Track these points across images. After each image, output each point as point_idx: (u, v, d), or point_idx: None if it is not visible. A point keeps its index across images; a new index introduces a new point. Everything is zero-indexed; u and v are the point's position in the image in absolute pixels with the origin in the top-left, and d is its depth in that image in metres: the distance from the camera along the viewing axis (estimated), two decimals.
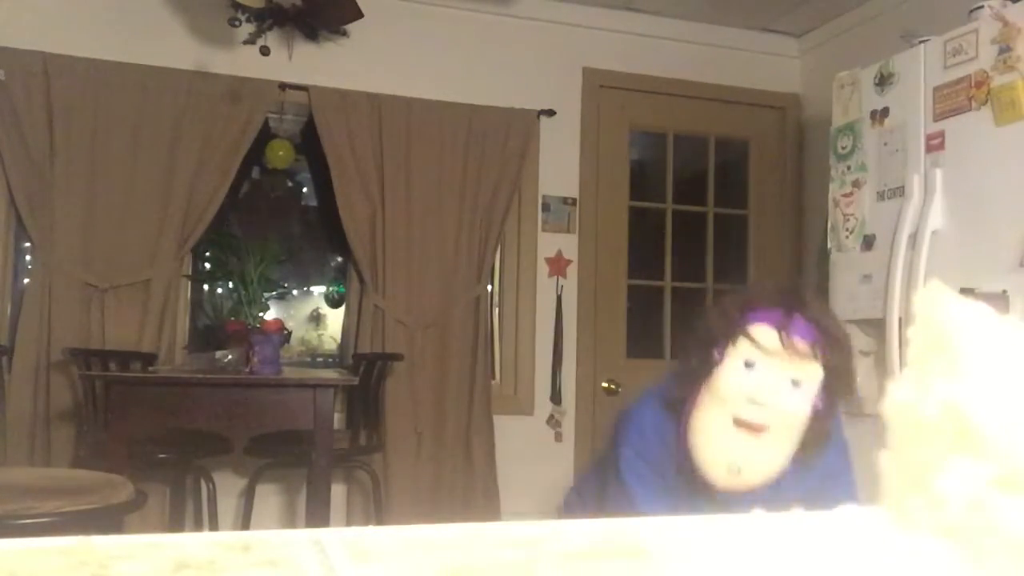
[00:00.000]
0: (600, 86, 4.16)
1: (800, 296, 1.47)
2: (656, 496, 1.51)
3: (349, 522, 3.65)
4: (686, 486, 1.47)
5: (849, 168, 2.90)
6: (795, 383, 1.39)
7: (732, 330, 1.42)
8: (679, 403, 1.47)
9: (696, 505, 1.45)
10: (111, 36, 3.55)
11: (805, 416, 1.40)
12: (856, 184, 2.87)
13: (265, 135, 3.75)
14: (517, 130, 3.95)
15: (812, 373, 1.39)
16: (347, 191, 3.74)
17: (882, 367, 2.66)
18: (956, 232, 2.50)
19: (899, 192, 2.68)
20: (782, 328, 1.39)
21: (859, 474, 1.55)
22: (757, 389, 1.38)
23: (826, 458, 1.48)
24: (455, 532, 0.37)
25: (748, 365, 1.39)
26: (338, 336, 4.16)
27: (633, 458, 1.54)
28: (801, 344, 1.39)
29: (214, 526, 3.31)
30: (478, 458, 3.77)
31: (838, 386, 1.43)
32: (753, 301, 1.45)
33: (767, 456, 1.39)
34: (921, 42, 2.67)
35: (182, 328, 3.71)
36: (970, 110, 2.46)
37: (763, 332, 1.40)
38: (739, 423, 1.38)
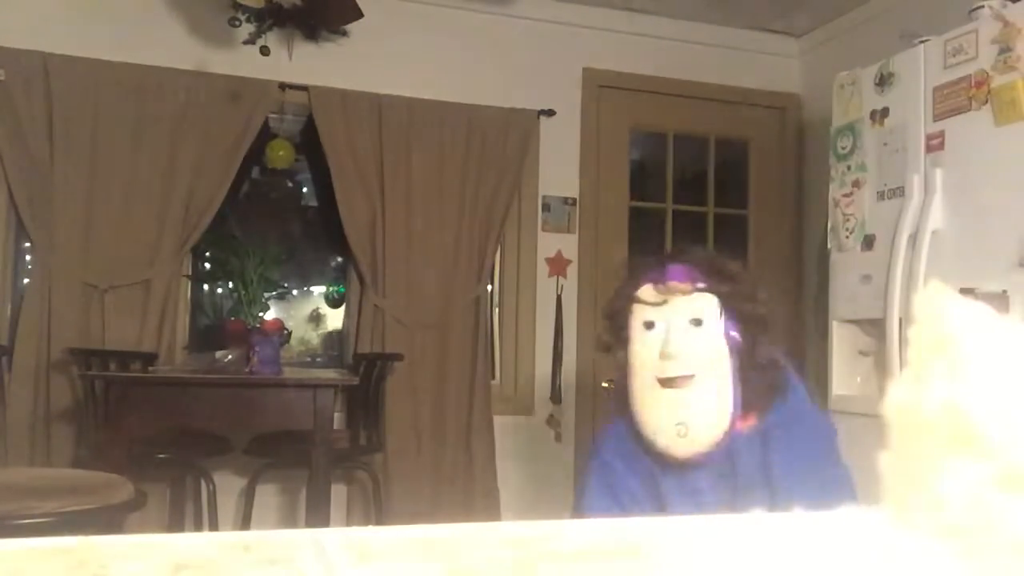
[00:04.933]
0: (600, 86, 4.16)
1: (677, 249, 1.52)
2: (619, 497, 1.50)
3: (349, 522, 3.65)
4: (658, 470, 1.47)
5: (849, 168, 2.90)
6: (695, 322, 1.41)
7: (626, 303, 1.46)
8: (622, 394, 1.49)
9: (670, 485, 1.45)
10: (111, 36, 3.55)
11: (723, 352, 1.40)
12: (856, 184, 2.87)
13: (265, 135, 3.74)
14: (517, 130, 3.95)
15: (706, 306, 1.41)
16: (347, 191, 3.74)
17: (882, 367, 2.67)
18: (956, 232, 2.50)
19: (899, 192, 2.68)
20: (660, 279, 1.43)
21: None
22: (662, 342, 1.40)
23: (778, 407, 1.45)
24: (455, 532, 0.37)
25: (647, 326, 1.43)
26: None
27: (597, 466, 1.54)
28: (681, 283, 1.42)
29: (214, 526, 3.31)
30: (478, 458, 3.77)
31: (743, 311, 1.43)
32: (635, 270, 1.50)
33: (705, 406, 1.39)
34: (921, 42, 2.67)
35: (182, 328, 3.71)
36: (970, 110, 2.46)
37: (646, 290, 1.44)
38: (664, 383, 1.40)
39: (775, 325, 1.49)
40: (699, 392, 1.39)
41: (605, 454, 1.56)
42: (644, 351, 1.42)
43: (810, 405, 1.52)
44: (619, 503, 1.51)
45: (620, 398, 1.50)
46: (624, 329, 1.46)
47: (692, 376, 1.39)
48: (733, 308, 1.42)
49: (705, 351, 1.40)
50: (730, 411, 1.39)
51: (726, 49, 4.28)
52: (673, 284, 1.42)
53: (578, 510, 1.60)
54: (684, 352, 1.39)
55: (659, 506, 1.48)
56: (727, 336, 1.41)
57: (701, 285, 1.42)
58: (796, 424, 1.45)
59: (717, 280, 1.43)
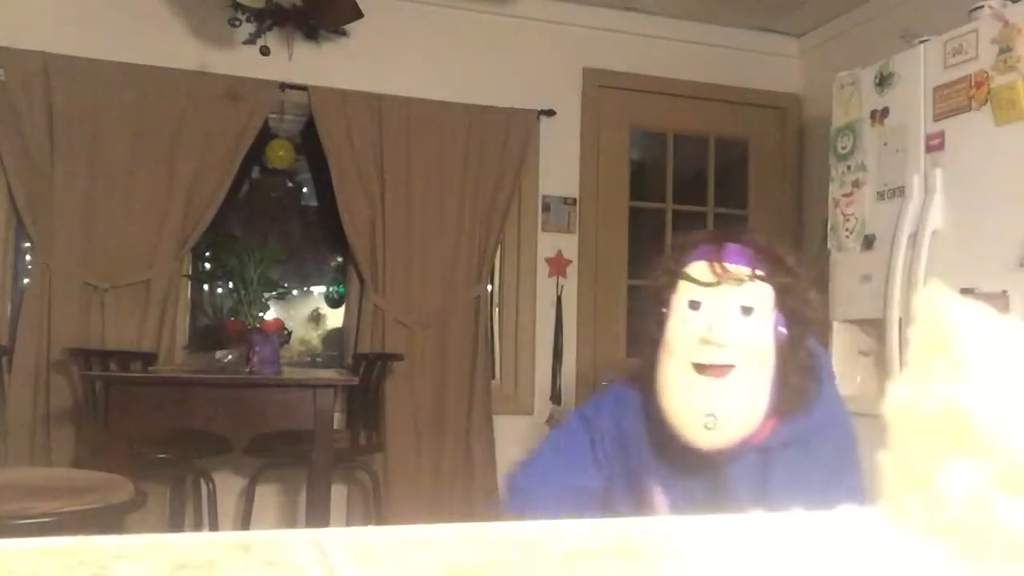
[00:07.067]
0: (600, 86, 4.16)
1: (735, 229, 1.40)
2: (562, 467, 1.45)
3: (349, 522, 3.65)
4: (672, 456, 1.36)
5: (849, 168, 2.90)
6: (746, 310, 1.30)
7: (671, 278, 1.35)
8: (645, 372, 1.38)
9: (681, 475, 1.36)
10: (111, 36, 3.55)
11: (769, 346, 1.30)
12: (856, 184, 2.87)
13: (265, 135, 3.74)
14: (517, 130, 3.95)
15: (760, 295, 1.30)
16: (347, 191, 3.74)
17: (882, 367, 2.66)
18: (956, 232, 2.50)
19: (899, 192, 2.68)
20: (715, 257, 1.32)
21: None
22: (706, 326, 1.29)
23: (813, 410, 1.34)
24: (455, 532, 0.38)
25: (692, 306, 1.32)
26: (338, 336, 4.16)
27: (589, 416, 1.48)
28: (739, 268, 1.31)
29: (214, 526, 3.31)
30: (478, 458, 3.77)
31: (796, 306, 1.32)
32: (686, 244, 1.38)
33: (741, 400, 1.29)
34: (921, 42, 2.67)
35: (182, 328, 3.71)
36: (970, 110, 2.46)
37: (698, 267, 1.33)
38: (700, 368, 1.29)
39: (818, 331, 1.38)
40: (737, 384, 1.28)
41: (602, 409, 1.47)
42: (684, 332, 1.31)
43: (838, 418, 1.39)
44: (593, 458, 1.44)
45: (640, 374, 1.40)
46: (664, 304, 1.35)
47: (732, 366, 1.28)
48: (786, 303, 1.32)
49: (751, 342, 1.29)
50: (763, 411, 1.29)
51: (726, 49, 4.28)
52: (734, 268, 1.30)
53: (534, 450, 1.53)
54: (729, 340, 1.28)
55: (633, 491, 1.40)
56: (775, 331, 1.31)
57: (760, 272, 1.31)
58: (818, 439, 1.34)
59: (777, 270, 1.32)
